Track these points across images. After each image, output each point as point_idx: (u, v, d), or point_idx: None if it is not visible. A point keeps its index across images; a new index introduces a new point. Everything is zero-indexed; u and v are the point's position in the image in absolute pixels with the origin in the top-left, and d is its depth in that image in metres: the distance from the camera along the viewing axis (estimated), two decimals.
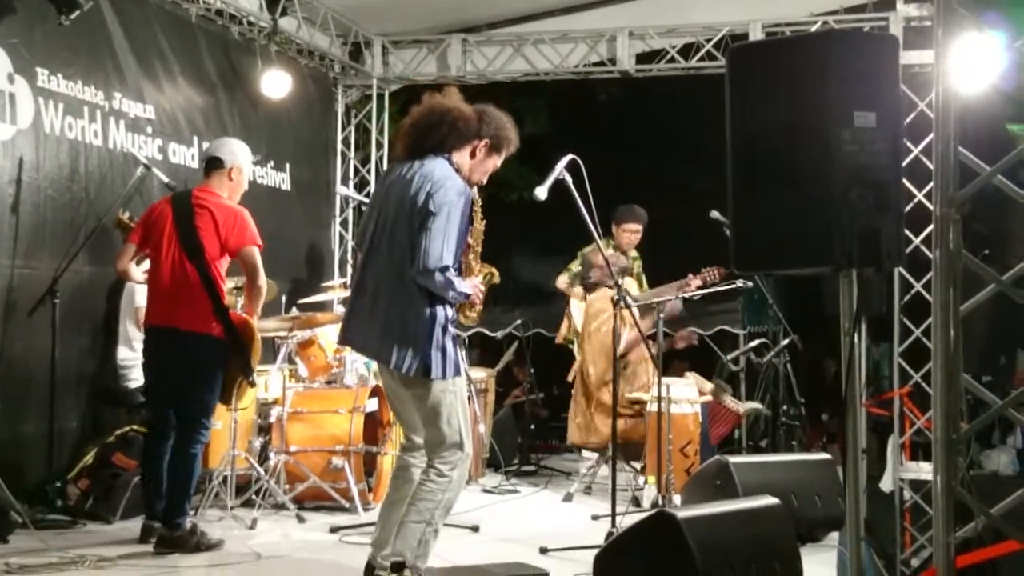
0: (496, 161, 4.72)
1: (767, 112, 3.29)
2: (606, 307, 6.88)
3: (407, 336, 4.37)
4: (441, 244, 4.31)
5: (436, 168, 4.47)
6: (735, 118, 3.36)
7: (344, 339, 4.75)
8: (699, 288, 7.23)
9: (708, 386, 7.10)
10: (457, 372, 4.47)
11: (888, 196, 3.23)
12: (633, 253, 8.05)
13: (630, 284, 7.57)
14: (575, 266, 7.96)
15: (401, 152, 4.67)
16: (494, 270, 4.86)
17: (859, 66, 3.24)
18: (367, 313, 4.51)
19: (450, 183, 4.41)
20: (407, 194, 4.44)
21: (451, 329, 4.46)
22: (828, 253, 3.21)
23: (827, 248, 3.20)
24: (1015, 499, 3.30)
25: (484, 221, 4.78)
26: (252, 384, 5.72)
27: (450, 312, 4.47)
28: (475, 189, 4.65)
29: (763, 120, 3.30)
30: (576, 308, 7.92)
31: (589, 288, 7.41)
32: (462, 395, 4.53)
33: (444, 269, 4.32)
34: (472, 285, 4.58)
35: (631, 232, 7.93)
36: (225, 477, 6.14)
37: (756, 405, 7.57)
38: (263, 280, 5.58)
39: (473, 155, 4.63)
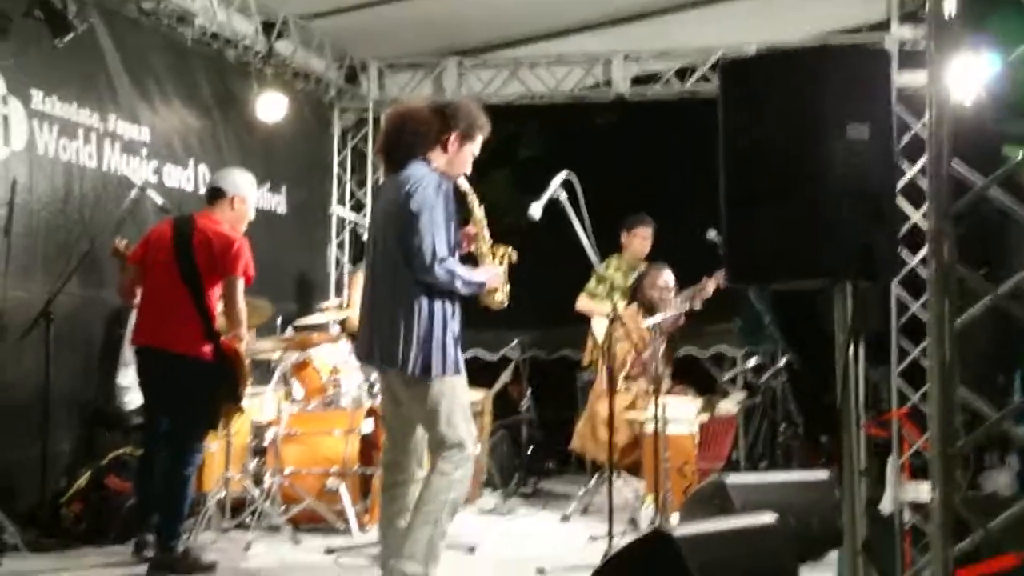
0: (473, 147, 4.81)
1: (760, 125, 3.28)
2: (627, 322, 6.89)
3: (407, 335, 4.46)
4: (432, 239, 4.44)
5: (413, 171, 4.59)
6: (728, 131, 3.35)
7: (356, 353, 4.92)
8: (716, 291, 7.19)
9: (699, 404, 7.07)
10: (457, 370, 4.52)
11: (882, 208, 3.23)
12: (644, 267, 7.97)
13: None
14: (593, 285, 7.86)
15: (384, 170, 4.89)
16: (509, 249, 4.87)
17: (851, 79, 3.24)
18: (371, 323, 4.62)
19: (426, 180, 4.53)
20: (391, 203, 4.58)
21: (451, 327, 4.50)
22: (822, 266, 3.21)
23: (821, 261, 3.20)
24: (1013, 512, 3.27)
25: (483, 207, 4.81)
26: (240, 410, 5.73)
27: (450, 309, 4.52)
28: (463, 179, 4.71)
29: (756, 133, 3.29)
30: (599, 326, 7.85)
31: (646, 308, 7.31)
32: (462, 394, 4.56)
33: (442, 260, 4.43)
34: (485, 273, 4.65)
35: (643, 237, 7.91)
36: (219, 499, 6.10)
37: (741, 395, 7.53)
38: (239, 312, 5.56)
39: (446, 149, 4.70)
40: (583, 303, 7.94)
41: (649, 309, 7.20)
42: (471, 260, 4.82)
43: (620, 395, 6.70)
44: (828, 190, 3.17)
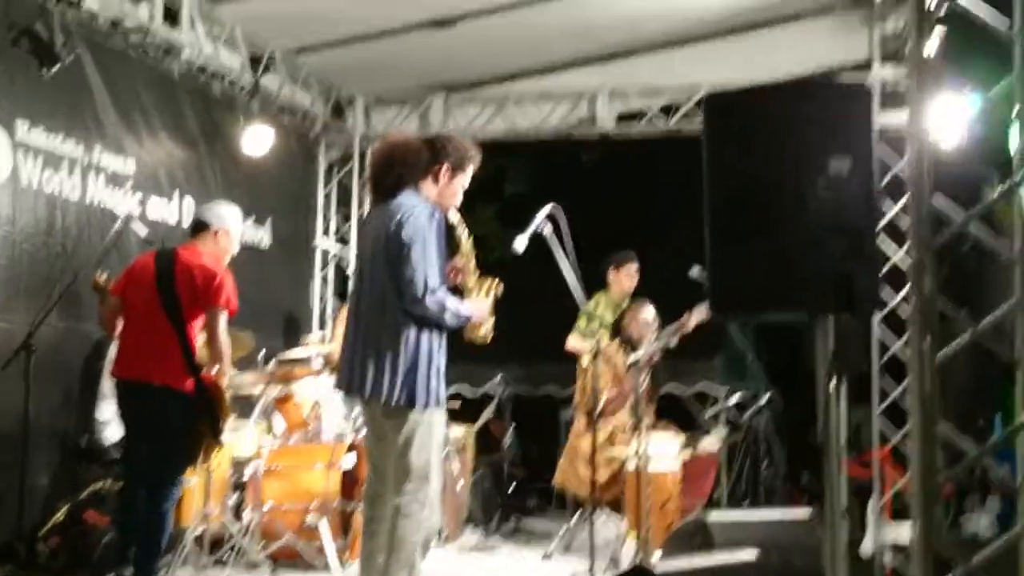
0: (463, 180, 4.79)
1: (742, 159, 3.31)
2: (611, 358, 6.89)
3: (393, 367, 4.44)
4: (424, 271, 4.42)
5: (404, 200, 4.57)
6: (711, 165, 3.38)
7: (337, 384, 4.82)
8: (698, 328, 7.17)
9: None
10: (438, 404, 4.49)
11: (862, 242, 3.25)
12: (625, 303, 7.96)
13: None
14: (584, 324, 7.83)
15: (371, 199, 4.85)
16: (496, 281, 4.85)
17: (833, 114, 3.28)
18: (354, 354, 4.57)
19: (418, 210, 4.51)
20: (381, 232, 4.55)
21: (436, 360, 4.48)
22: (803, 298, 3.22)
23: (802, 294, 3.22)
24: (996, 549, 3.27)
25: (471, 239, 4.80)
26: (220, 445, 5.69)
27: (436, 342, 4.50)
28: (453, 211, 4.70)
29: (738, 167, 3.32)
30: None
31: (629, 344, 7.29)
32: (438, 430, 4.54)
33: (433, 291, 4.42)
34: (472, 306, 4.64)
35: (631, 274, 7.88)
36: (198, 534, 6.04)
37: (723, 432, 7.51)
38: (221, 343, 5.53)
39: (436, 180, 4.69)
40: (574, 343, 7.87)
41: (631, 345, 7.19)
42: (456, 293, 4.80)
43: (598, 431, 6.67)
44: (809, 224, 3.20)
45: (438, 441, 4.58)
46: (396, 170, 4.64)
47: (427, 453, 4.48)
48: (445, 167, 4.71)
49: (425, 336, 4.48)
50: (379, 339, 4.48)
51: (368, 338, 4.53)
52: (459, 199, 4.81)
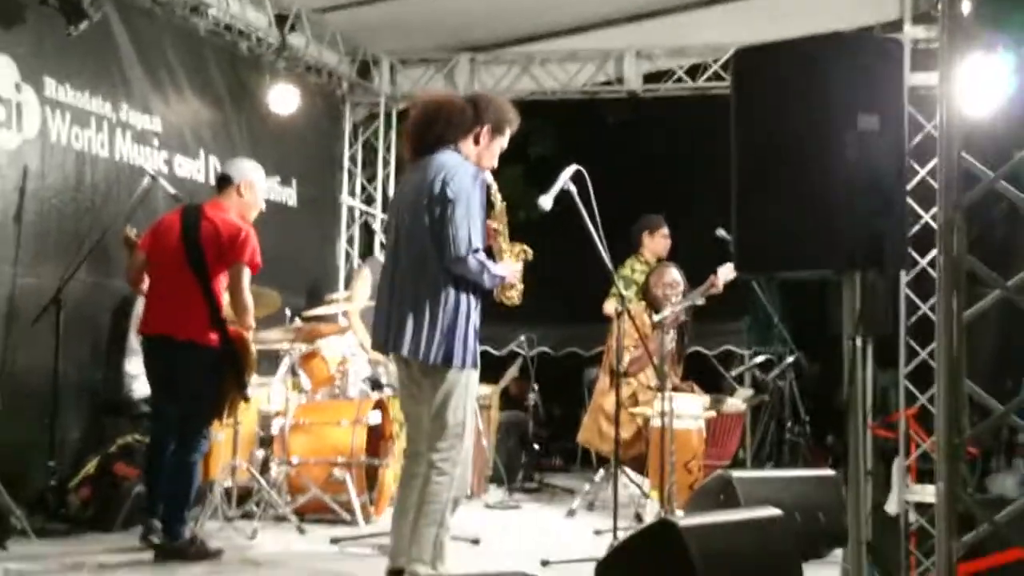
0: (502, 142, 4.77)
1: (770, 114, 3.29)
2: (638, 316, 6.89)
3: (432, 325, 4.44)
4: (467, 229, 4.41)
5: (447, 158, 4.55)
6: (739, 120, 3.36)
7: (373, 343, 4.83)
8: (725, 288, 7.17)
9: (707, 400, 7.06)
10: (475, 364, 4.51)
11: (891, 199, 3.23)
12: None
13: None
14: (622, 288, 7.79)
15: (408, 156, 4.79)
16: (526, 247, 4.86)
17: (862, 69, 3.24)
18: (391, 312, 4.56)
19: (463, 169, 4.50)
20: (422, 188, 4.51)
21: (473, 319, 4.50)
22: (831, 256, 3.21)
23: (830, 251, 3.20)
24: (1020, 505, 3.26)
25: (504, 202, 4.79)
26: (246, 399, 5.74)
27: (473, 301, 4.51)
28: (488, 172, 4.68)
29: (766, 122, 3.30)
30: None
31: (654, 306, 7.30)
32: (474, 389, 4.56)
33: (476, 251, 4.42)
34: (507, 268, 4.64)
35: (665, 236, 7.86)
36: (226, 488, 6.12)
37: (748, 392, 7.52)
38: (245, 298, 5.55)
39: (477, 142, 4.68)
40: (611, 307, 7.87)
41: (655, 307, 7.19)
42: (489, 254, 4.79)
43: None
44: (837, 180, 3.17)
45: (473, 399, 4.61)
46: (438, 127, 4.60)
47: (462, 412, 4.50)
48: (486, 128, 4.68)
49: (464, 296, 4.48)
50: (418, 297, 4.47)
51: (405, 296, 4.51)
52: (495, 162, 4.80)
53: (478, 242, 4.45)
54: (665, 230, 7.88)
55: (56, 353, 6.01)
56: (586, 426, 7.43)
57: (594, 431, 7.28)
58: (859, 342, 3.51)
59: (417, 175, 4.60)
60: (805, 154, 3.22)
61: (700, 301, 6.98)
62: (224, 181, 5.79)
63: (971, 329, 3.29)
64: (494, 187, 4.70)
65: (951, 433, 3.23)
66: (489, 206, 4.66)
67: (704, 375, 9.08)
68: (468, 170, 4.51)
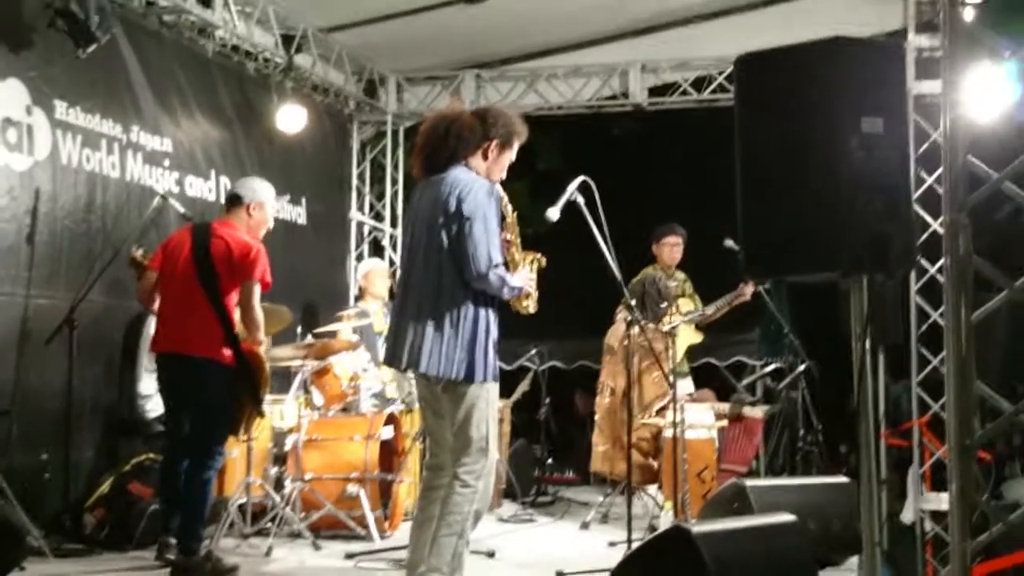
0: (510, 155, 4.79)
1: (775, 118, 3.31)
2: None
3: (452, 341, 4.44)
4: (487, 245, 4.43)
5: (460, 175, 4.57)
6: (743, 125, 3.39)
7: (388, 359, 4.80)
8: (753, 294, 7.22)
9: (726, 408, 7.06)
10: (495, 377, 4.52)
11: (897, 200, 3.25)
12: (680, 275, 7.95)
13: (685, 303, 7.58)
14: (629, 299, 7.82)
15: (417, 174, 4.79)
16: (539, 255, 4.88)
17: (866, 73, 3.27)
18: (406, 328, 4.55)
19: (477, 185, 4.52)
20: (437, 206, 4.53)
21: (492, 333, 4.51)
22: (837, 258, 3.22)
23: (836, 253, 3.22)
24: None
25: (515, 212, 4.82)
26: (261, 415, 5.76)
27: (492, 315, 4.53)
28: (498, 185, 4.70)
29: (771, 126, 3.32)
30: None
31: (662, 283, 7.30)
32: (494, 402, 4.57)
33: (496, 267, 4.45)
34: (522, 278, 4.67)
35: (671, 245, 7.86)
36: (241, 505, 6.14)
37: (765, 407, 7.53)
38: (256, 314, 5.58)
39: (486, 156, 4.69)
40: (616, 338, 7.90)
41: (665, 277, 7.37)
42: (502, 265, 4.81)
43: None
44: (842, 183, 3.19)
45: (495, 414, 4.61)
46: (450, 143, 4.61)
47: (485, 427, 4.49)
48: (495, 143, 4.69)
49: (482, 311, 4.49)
50: (436, 314, 4.46)
51: (422, 312, 4.50)
52: (504, 174, 4.82)
53: (497, 257, 4.47)
54: (671, 239, 7.90)
55: (69, 373, 6.06)
56: (609, 456, 7.35)
57: (618, 460, 7.17)
58: (867, 347, 3.53)
59: (431, 192, 4.60)
60: (809, 158, 3.24)
61: (724, 310, 7.05)
62: (234, 200, 5.83)
63: (980, 333, 3.31)
64: (504, 198, 4.73)
65: (962, 433, 3.25)
66: (501, 218, 4.68)
67: (716, 386, 9.09)
68: (483, 186, 4.53)
